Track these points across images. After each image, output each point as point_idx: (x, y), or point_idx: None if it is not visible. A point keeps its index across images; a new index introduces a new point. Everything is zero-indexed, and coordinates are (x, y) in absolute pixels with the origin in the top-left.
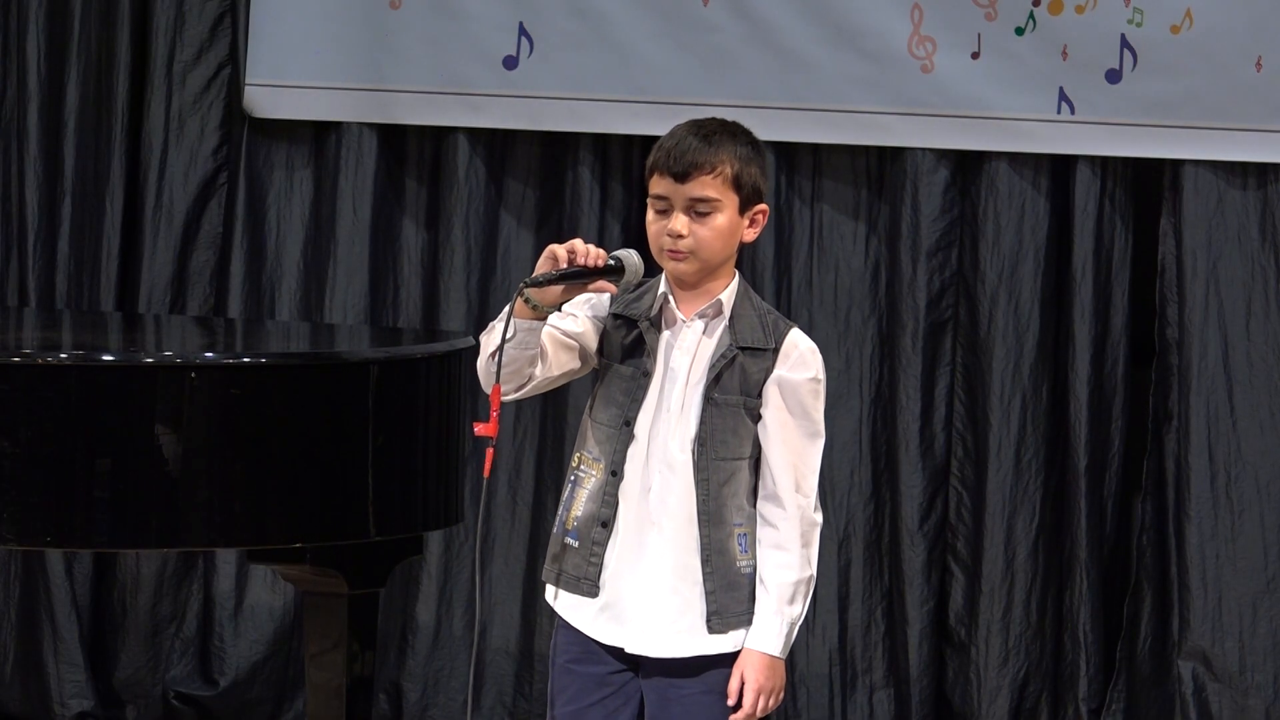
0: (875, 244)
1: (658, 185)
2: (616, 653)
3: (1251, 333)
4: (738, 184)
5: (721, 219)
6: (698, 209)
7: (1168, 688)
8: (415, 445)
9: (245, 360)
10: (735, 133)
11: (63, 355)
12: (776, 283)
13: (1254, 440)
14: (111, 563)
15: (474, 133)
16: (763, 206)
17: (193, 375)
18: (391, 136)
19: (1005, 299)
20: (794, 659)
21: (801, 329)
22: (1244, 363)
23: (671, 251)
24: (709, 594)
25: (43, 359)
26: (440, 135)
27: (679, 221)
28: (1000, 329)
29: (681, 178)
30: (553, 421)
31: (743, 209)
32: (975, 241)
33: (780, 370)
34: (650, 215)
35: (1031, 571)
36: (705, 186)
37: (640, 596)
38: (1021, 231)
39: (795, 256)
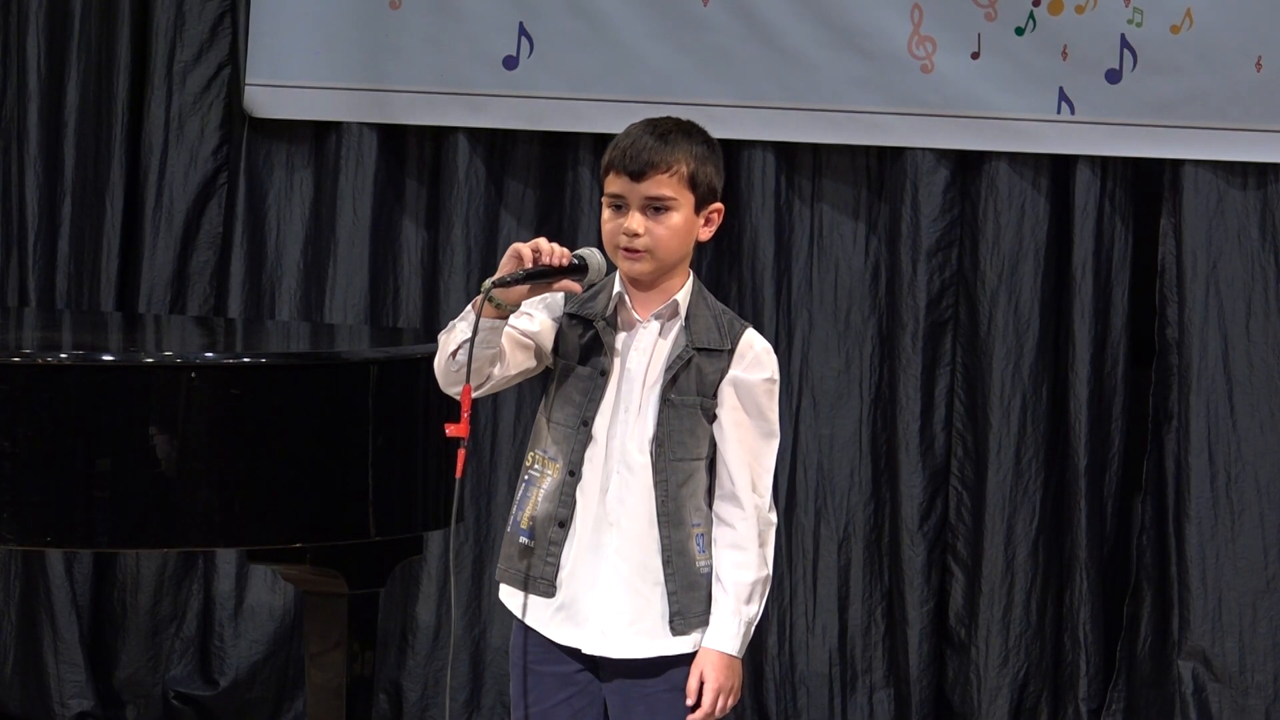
0: (875, 244)
1: (613, 184)
2: (575, 653)
3: (1251, 333)
4: (693, 183)
5: (677, 218)
6: (654, 208)
7: (1168, 688)
8: (415, 445)
9: (245, 360)
10: (691, 132)
11: (63, 355)
12: (776, 283)
13: (1254, 440)
14: (111, 563)
15: (474, 133)
16: (718, 205)
17: (193, 375)
18: (391, 136)
19: (1005, 299)
20: (794, 659)
21: (801, 329)
22: (1244, 363)
23: (627, 250)
24: (671, 594)
25: (43, 359)
26: (440, 135)
27: (635, 220)
28: (1000, 329)
29: (637, 176)
30: None
31: (698, 208)
32: (975, 241)
33: (735, 371)
34: (606, 214)
35: (1031, 571)
36: (661, 185)
37: (597, 597)
38: (1021, 231)
39: (795, 256)
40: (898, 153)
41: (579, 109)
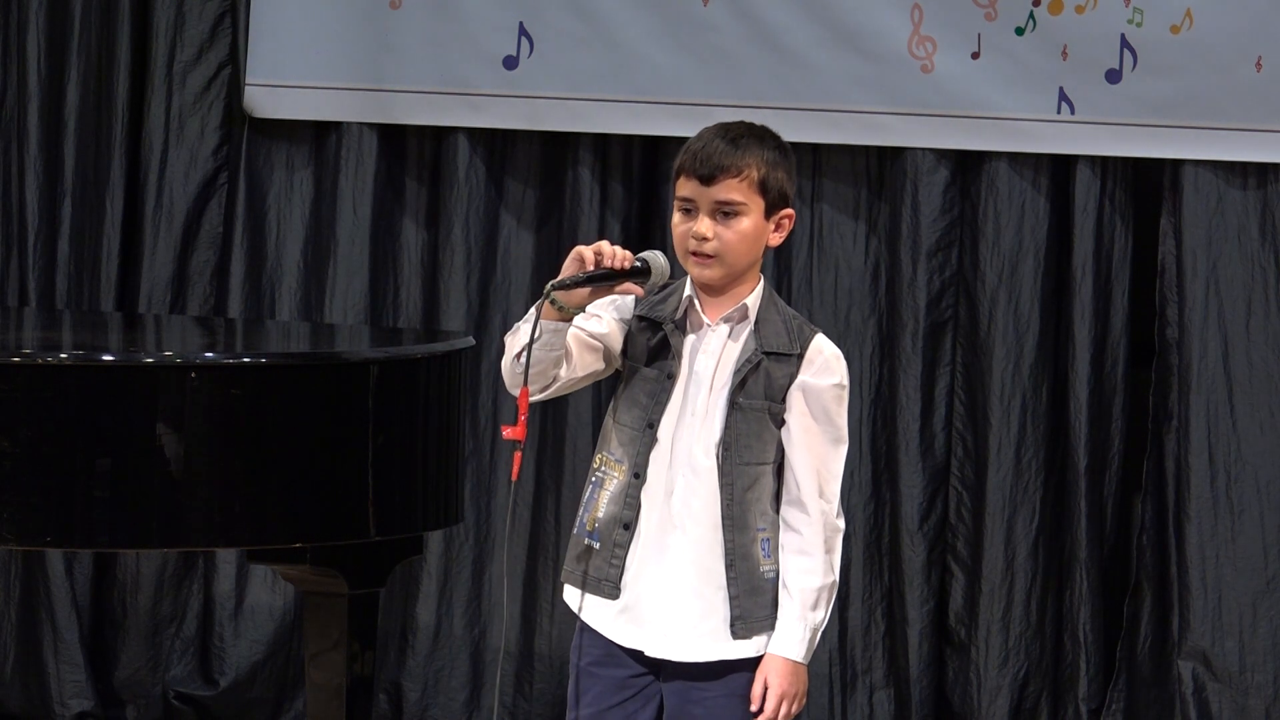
0: (875, 244)
1: (684, 187)
2: (637, 656)
3: (1251, 333)
4: (764, 188)
5: (747, 223)
6: (723, 212)
7: (1168, 688)
8: (415, 445)
9: (245, 360)
10: (763, 136)
11: (63, 355)
12: (777, 283)
13: (1254, 440)
14: (111, 563)
15: (474, 133)
16: (789, 211)
17: (193, 375)
18: (391, 136)
19: (1005, 299)
20: None
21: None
22: (1244, 363)
23: (696, 255)
24: (733, 599)
25: (43, 359)
26: (440, 135)
27: (704, 224)
28: (1000, 329)
29: (707, 180)
30: (553, 423)
31: (768, 213)
32: (975, 241)
33: (805, 376)
34: (676, 218)
35: (1031, 571)
36: (731, 190)
37: (661, 599)
38: (1021, 231)
39: (795, 256)
40: (898, 153)
41: (579, 109)
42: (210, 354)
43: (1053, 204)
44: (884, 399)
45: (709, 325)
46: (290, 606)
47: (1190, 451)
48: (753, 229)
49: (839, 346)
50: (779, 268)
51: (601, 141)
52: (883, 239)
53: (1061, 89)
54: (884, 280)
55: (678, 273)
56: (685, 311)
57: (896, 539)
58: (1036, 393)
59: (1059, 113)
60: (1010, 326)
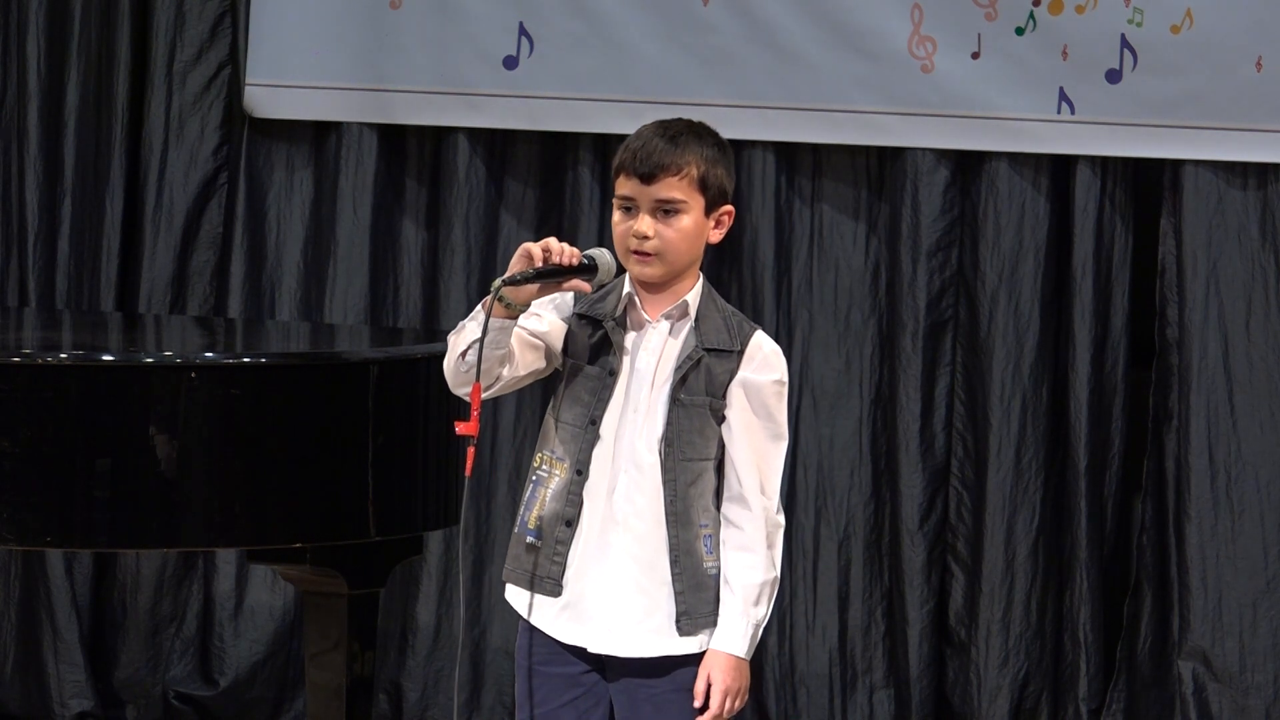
0: (875, 244)
1: (624, 186)
2: (580, 653)
3: (1251, 333)
4: (704, 185)
5: (687, 220)
6: (664, 210)
7: (1168, 688)
8: (415, 445)
9: (245, 360)
10: (701, 133)
11: (63, 355)
12: (776, 283)
13: (1254, 440)
14: (111, 563)
15: (474, 133)
16: (728, 207)
17: (192, 375)
18: (391, 136)
19: (1005, 299)
20: (794, 659)
21: (801, 329)
22: (1244, 363)
23: (638, 253)
24: (678, 594)
25: (43, 359)
26: (440, 135)
27: (645, 223)
28: (1000, 329)
29: (647, 179)
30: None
31: (708, 210)
32: (975, 241)
33: (745, 372)
34: (616, 216)
35: (1031, 571)
36: (671, 188)
37: (604, 596)
38: (1021, 231)
39: (795, 256)
40: (898, 153)
41: (579, 109)
42: (210, 354)
43: (1053, 204)
44: (884, 399)
45: (650, 322)
46: (290, 606)
47: (1190, 451)
48: (693, 227)
49: (839, 346)
50: (779, 268)
51: (601, 141)
52: (883, 239)
53: (1061, 89)
54: (884, 280)
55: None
56: (625, 309)
57: (896, 539)
58: (1036, 393)
59: (1059, 113)
60: (1010, 326)
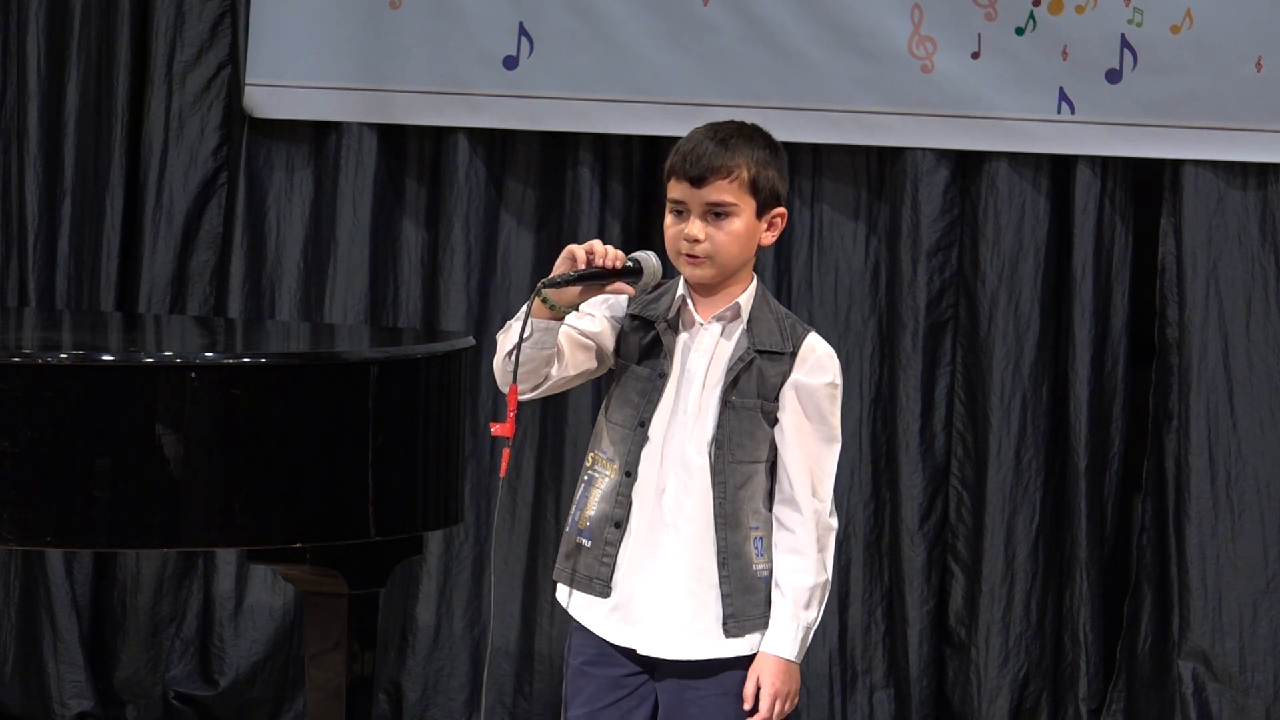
0: (875, 244)
1: (675, 190)
2: (630, 654)
3: (1251, 333)
4: (754, 188)
5: (738, 223)
6: (715, 213)
7: (1168, 688)
8: (415, 445)
9: (245, 360)
10: (752, 136)
11: (63, 355)
12: (776, 283)
13: (1254, 440)
14: (111, 563)
15: (474, 133)
16: (781, 210)
17: (193, 375)
18: (391, 136)
19: (1005, 299)
20: None
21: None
22: (1244, 363)
23: (689, 256)
24: (725, 597)
25: (43, 359)
26: (440, 135)
27: (695, 226)
28: (1000, 329)
29: (698, 182)
30: (553, 421)
31: (760, 212)
32: (975, 241)
33: (797, 374)
34: (668, 219)
35: (1031, 571)
36: (722, 191)
37: (653, 598)
38: (1021, 231)
39: (795, 256)
40: (898, 153)
41: (579, 109)
42: (210, 354)
43: (1053, 204)
44: (884, 399)
45: (701, 324)
46: (290, 606)
47: (1190, 451)
48: (744, 229)
49: (839, 346)
50: (779, 268)
51: (601, 141)
52: (883, 239)
53: (1061, 89)
54: (884, 280)
55: (671, 273)
56: (678, 310)
57: (896, 539)
58: (1036, 393)
59: (1059, 113)
60: (1010, 326)
